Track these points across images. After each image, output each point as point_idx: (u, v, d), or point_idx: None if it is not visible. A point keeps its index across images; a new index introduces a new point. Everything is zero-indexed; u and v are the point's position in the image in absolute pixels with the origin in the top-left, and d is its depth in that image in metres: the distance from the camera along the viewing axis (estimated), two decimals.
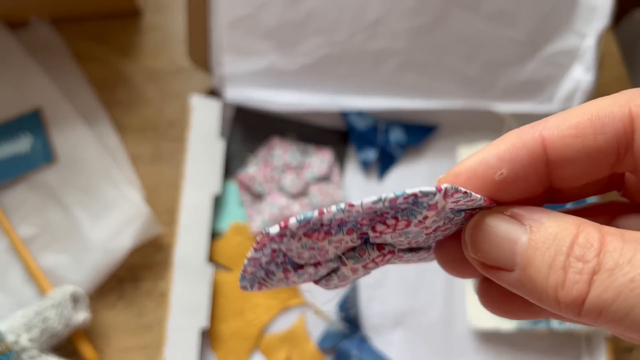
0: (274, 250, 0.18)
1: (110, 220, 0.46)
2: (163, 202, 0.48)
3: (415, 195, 0.16)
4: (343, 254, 0.18)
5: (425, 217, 0.17)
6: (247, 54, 0.48)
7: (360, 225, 0.18)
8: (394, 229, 0.18)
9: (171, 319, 0.43)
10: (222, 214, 0.48)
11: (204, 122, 0.48)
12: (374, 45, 0.47)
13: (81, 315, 0.43)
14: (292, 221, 0.16)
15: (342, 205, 0.16)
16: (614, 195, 0.22)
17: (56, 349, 0.43)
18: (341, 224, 0.17)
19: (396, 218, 0.17)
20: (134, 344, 0.45)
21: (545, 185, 0.19)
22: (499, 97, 0.49)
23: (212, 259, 0.46)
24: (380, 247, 0.18)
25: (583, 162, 0.18)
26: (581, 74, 0.47)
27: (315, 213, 0.16)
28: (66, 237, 0.46)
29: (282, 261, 0.18)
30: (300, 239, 0.17)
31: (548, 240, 0.17)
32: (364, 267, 0.19)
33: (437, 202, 0.17)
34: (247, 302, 0.46)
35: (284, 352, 0.45)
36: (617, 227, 0.20)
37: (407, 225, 0.18)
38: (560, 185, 0.19)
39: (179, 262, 0.44)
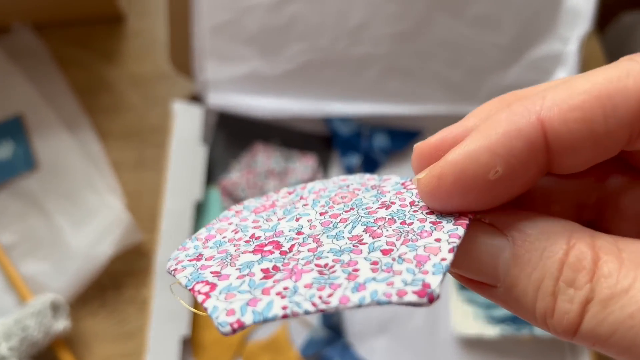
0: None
1: (92, 228, 0.46)
2: (146, 208, 0.48)
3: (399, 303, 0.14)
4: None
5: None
6: (230, 59, 0.48)
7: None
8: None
9: (152, 327, 0.43)
10: (204, 221, 0.47)
11: (186, 128, 0.48)
12: (357, 51, 0.47)
13: (61, 324, 0.42)
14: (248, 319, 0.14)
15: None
16: None
17: (36, 358, 0.42)
18: None
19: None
20: (116, 352, 0.45)
21: (543, 175, 0.16)
22: (482, 102, 0.49)
23: None
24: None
25: (590, 150, 0.15)
26: None
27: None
28: (47, 245, 0.46)
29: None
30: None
31: (534, 259, 0.15)
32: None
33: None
34: None
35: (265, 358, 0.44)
36: (610, 187, 0.18)
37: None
38: (559, 171, 0.16)
39: (161, 269, 0.44)
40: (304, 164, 0.49)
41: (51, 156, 0.48)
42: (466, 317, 0.44)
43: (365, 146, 0.49)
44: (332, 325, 0.45)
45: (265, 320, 0.14)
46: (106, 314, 0.46)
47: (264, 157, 0.49)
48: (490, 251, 0.15)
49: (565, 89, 0.15)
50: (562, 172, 0.16)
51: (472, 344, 0.45)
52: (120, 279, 0.46)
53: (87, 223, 0.46)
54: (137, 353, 0.44)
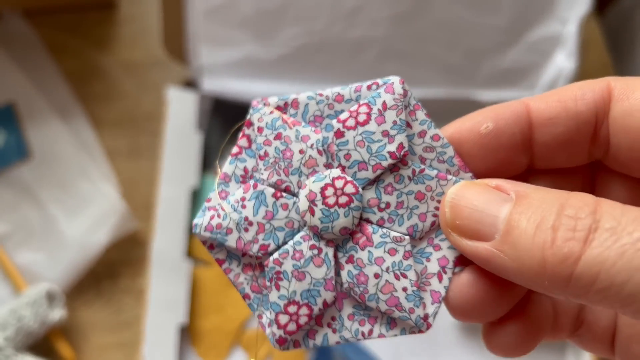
0: (239, 150, 0.20)
1: (86, 216, 0.45)
2: (141, 196, 0.48)
3: (376, 83, 0.19)
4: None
5: (384, 105, 0.19)
6: (224, 44, 0.47)
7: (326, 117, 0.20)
8: (356, 120, 0.19)
9: (149, 316, 0.42)
10: (200, 209, 0.47)
11: (181, 114, 0.47)
12: (353, 34, 0.47)
13: (57, 313, 0.42)
14: (273, 98, 0.20)
15: (313, 93, 0.20)
16: None
17: (32, 348, 0.42)
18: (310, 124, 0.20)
19: (358, 103, 0.19)
20: (113, 341, 0.44)
21: (528, 156, 0.19)
22: (481, 85, 0.48)
23: (190, 254, 0.46)
24: (342, 169, 0.19)
25: (564, 125, 0.18)
26: (563, 61, 0.47)
27: (292, 96, 0.20)
28: (42, 234, 0.45)
29: (246, 171, 0.20)
30: (272, 112, 0.19)
31: (535, 203, 0.16)
32: (323, 195, 0.18)
33: (393, 84, 0.19)
34: (226, 297, 0.45)
35: (265, 347, 0.44)
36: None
37: (368, 117, 0.19)
38: (541, 159, 0.19)
39: (156, 257, 0.44)
40: None
41: (44, 145, 0.48)
42: None
43: None
44: None
45: (283, 101, 0.20)
46: (102, 304, 0.45)
47: None
48: (492, 204, 0.17)
49: (547, 92, 0.19)
50: (543, 161, 0.19)
51: (472, 329, 0.45)
52: (115, 268, 0.46)
53: (81, 212, 0.46)
54: (134, 342, 0.44)
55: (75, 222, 0.45)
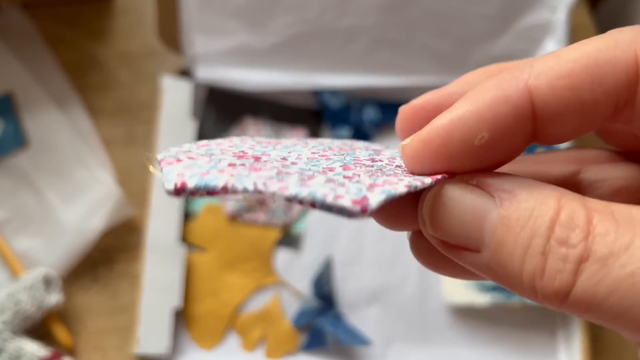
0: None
1: (83, 203, 0.46)
2: (137, 184, 0.48)
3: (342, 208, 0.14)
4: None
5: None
6: (218, 33, 0.47)
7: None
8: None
9: (144, 300, 0.43)
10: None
11: (176, 103, 0.48)
12: (345, 23, 0.47)
13: (54, 298, 0.43)
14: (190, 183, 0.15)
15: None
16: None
17: (29, 332, 0.43)
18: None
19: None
20: (109, 325, 0.45)
21: (528, 143, 0.16)
22: None
23: (185, 240, 0.46)
24: None
25: (575, 118, 0.15)
26: (553, 48, 0.47)
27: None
28: (39, 221, 0.46)
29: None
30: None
31: (523, 218, 0.14)
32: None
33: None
34: (220, 282, 0.46)
35: (259, 331, 0.45)
36: (587, 178, 0.18)
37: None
38: (543, 141, 0.16)
39: (151, 243, 0.44)
40: (294, 137, 0.49)
41: (41, 133, 0.48)
42: (457, 285, 0.45)
43: (355, 119, 0.49)
44: (324, 295, 0.45)
45: (206, 189, 0.14)
46: (98, 289, 0.46)
47: (254, 131, 0.49)
48: (476, 212, 0.15)
49: (553, 58, 0.15)
50: (546, 143, 0.16)
51: (463, 312, 0.45)
52: (111, 254, 0.47)
53: (77, 198, 0.46)
54: (129, 326, 0.44)
55: (71, 208, 0.46)
